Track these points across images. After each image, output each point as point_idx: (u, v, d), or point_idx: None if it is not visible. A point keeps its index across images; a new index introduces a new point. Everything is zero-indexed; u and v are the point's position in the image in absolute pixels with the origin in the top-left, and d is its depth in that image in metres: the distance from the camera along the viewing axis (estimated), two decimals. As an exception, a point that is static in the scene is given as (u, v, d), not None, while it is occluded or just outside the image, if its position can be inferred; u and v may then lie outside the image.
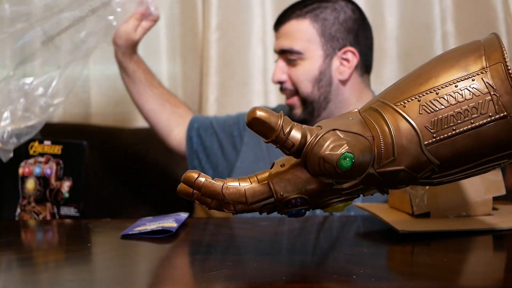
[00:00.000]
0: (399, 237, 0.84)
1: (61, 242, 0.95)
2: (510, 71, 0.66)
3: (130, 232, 0.89)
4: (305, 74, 1.26)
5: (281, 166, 0.69)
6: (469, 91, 0.67)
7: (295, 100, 1.27)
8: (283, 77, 1.27)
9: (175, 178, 1.62)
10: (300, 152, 0.66)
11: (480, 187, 0.92)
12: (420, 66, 0.74)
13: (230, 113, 1.93)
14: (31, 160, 1.11)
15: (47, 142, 1.11)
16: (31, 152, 1.11)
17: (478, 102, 0.66)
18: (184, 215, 0.99)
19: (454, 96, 0.67)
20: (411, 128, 0.67)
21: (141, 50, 1.97)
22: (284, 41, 1.27)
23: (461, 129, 0.66)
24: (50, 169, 1.11)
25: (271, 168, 0.70)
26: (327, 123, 0.68)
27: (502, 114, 0.66)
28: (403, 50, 1.92)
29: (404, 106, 0.68)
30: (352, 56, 1.27)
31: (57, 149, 1.11)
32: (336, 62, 1.27)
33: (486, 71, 0.67)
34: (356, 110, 0.72)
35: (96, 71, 1.97)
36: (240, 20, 1.93)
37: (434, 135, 0.67)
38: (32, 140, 1.12)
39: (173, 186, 1.73)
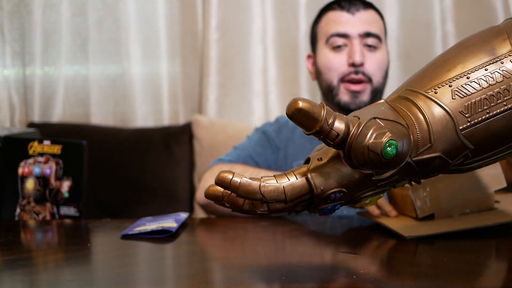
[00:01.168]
0: (399, 237, 0.84)
1: (61, 242, 0.95)
2: None
3: (130, 232, 0.89)
4: (381, 62, 1.30)
5: (318, 160, 0.67)
6: (500, 73, 0.67)
7: (366, 87, 1.29)
8: (363, 59, 1.28)
9: (175, 178, 1.62)
10: (344, 143, 0.64)
11: (480, 183, 0.92)
12: (443, 54, 0.73)
13: (230, 112, 1.94)
14: (31, 160, 1.11)
15: (46, 142, 1.11)
16: (30, 152, 1.11)
17: (510, 84, 0.67)
18: (184, 215, 0.99)
19: (485, 79, 0.67)
20: (445, 113, 0.67)
21: (141, 50, 1.97)
22: (370, 26, 1.29)
23: (494, 112, 0.67)
24: (49, 169, 1.11)
25: (306, 162, 0.68)
26: (364, 113, 0.66)
27: None
28: (404, 50, 1.92)
29: (436, 93, 0.68)
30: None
31: (56, 149, 1.11)
32: None
33: None
34: (383, 100, 0.71)
35: (96, 71, 1.97)
36: (240, 20, 1.93)
37: (469, 119, 0.67)
38: (32, 140, 1.11)
39: (173, 186, 1.72)
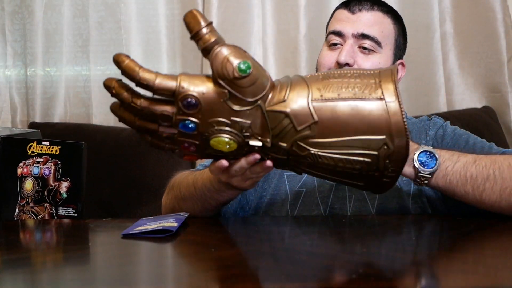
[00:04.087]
0: (398, 237, 0.84)
1: (61, 241, 0.96)
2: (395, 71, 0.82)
3: (130, 232, 0.89)
4: (377, 67, 1.21)
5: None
6: (359, 74, 0.81)
7: None
8: (351, 60, 1.21)
9: (175, 178, 1.62)
10: (210, 50, 0.74)
11: None
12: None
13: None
14: (30, 161, 1.11)
15: (45, 143, 1.12)
16: (29, 152, 1.11)
17: (364, 82, 0.79)
18: (184, 215, 0.99)
19: (346, 73, 0.81)
20: (305, 84, 0.79)
21: (142, 51, 1.98)
22: (368, 28, 1.23)
23: (343, 96, 0.78)
24: (48, 169, 1.11)
25: None
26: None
27: (380, 97, 0.78)
28: (403, 50, 1.92)
29: (308, 76, 0.82)
30: (401, 69, 1.28)
31: (55, 150, 1.11)
32: None
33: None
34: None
35: (97, 71, 1.98)
36: (240, 20, 1.93)
37: (321, 95, 0.78)
38: (31, 140, 1.12)
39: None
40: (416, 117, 1.31)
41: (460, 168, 0.94)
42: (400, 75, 1.28)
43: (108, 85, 0.78)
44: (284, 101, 0.77)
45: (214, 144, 0.78)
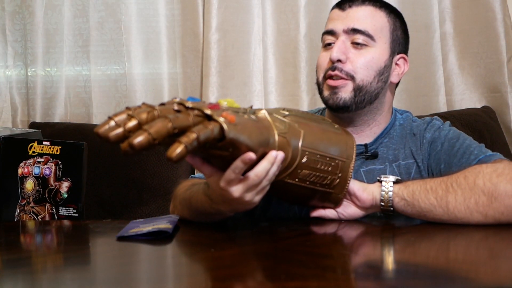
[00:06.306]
0: (398, 237, 0.84)
1: (61, 242, 0.96)
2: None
3: (126, 235, 0.89)
4: (372, 62, 1.20)
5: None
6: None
7: (347, 84, 1.19)
8: (343, 57, 1.18)
9: (175, 178, 1.63)
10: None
11: None
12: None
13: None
14: (30, 161, 1.12)
15: (46, 143, 1.12)
16: (30, 152, 1.12)
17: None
18: (175, 217, 0.99)
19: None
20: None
21: (142, 51, 1.98)
22: (358, 22, 1.20)
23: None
24: (49, 169, 1.11)
25: None
26: None
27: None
28: (403, 50, 1.93)
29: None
30: (403, 63, 1.26)
31: (55, 150, 1.12)
32: (393, 64, 1.25)
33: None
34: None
35: (97, 71, 1.98)
36: (240, 21, 1.93)
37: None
38: (32, 140, 1.12)
39: (174, 186, 1.73)
40: (420, 117, 1.30)
41: (419, 181, 1.00)
42: (402, 70, 1.26)
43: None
44: None
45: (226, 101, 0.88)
